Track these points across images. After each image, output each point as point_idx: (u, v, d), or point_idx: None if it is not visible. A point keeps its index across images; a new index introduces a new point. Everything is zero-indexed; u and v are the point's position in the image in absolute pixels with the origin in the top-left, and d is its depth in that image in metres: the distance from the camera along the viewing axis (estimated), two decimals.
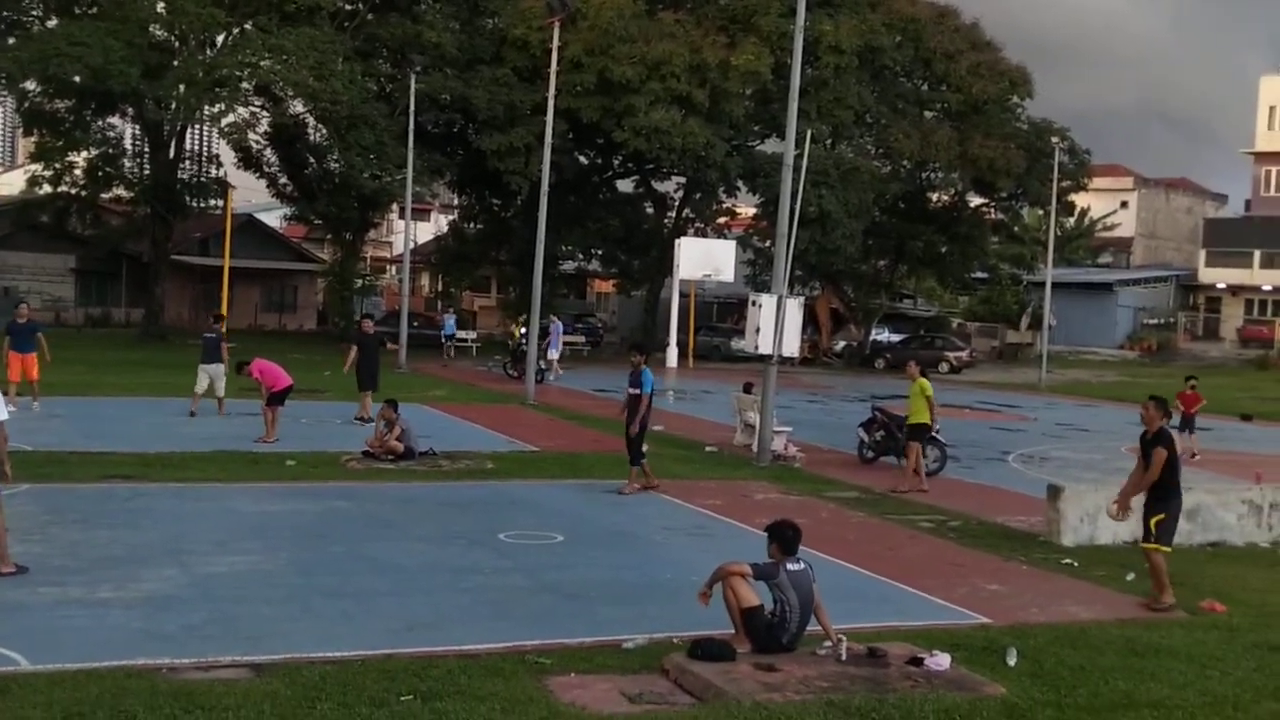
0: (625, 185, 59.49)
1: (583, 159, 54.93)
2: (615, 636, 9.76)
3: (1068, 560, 13.77)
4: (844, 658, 8.96)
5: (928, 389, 18.91)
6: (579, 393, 33.99)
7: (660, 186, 58.29)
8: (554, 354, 39.57)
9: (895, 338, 58.82)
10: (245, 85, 46.97)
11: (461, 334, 51.49)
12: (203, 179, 53.38)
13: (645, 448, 17.31)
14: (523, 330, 38.08)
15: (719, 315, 65.76)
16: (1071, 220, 70.96)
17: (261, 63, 45.20)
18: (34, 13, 48.69)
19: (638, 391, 17.05)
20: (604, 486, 16.93)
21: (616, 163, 56.57)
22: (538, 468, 19.38)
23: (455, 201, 67.83)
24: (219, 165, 55.33)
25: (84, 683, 8.11)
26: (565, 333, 45.51)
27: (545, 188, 32.54)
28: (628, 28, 46.33)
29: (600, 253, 59.33)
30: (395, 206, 57.17)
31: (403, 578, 11.66)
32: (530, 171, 44.19)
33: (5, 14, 48.19)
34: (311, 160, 54.24)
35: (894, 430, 20.98)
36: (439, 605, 10.79)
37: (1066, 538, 14.66)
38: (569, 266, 64.13)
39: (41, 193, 51.74)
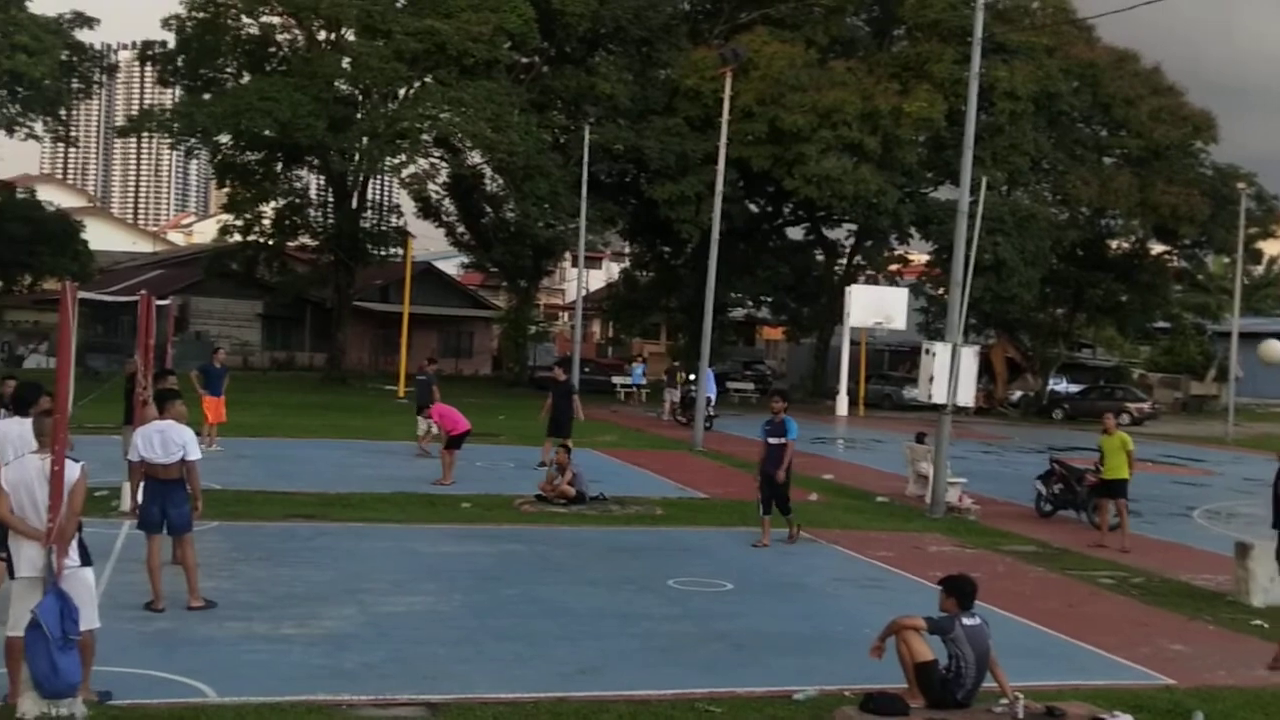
0: (795, 232, 59.38)
1: (753, 207, 55.06)
2: (786, 687, 9.67)
3: (1257, 621, 13.20)
4: (1021, 716, 8.73)
5: (1129, 443, 18.30)
6: (747, 440, 33.76)
7: (831, 233, 58.01)
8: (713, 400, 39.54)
9: (1073, 388, 57.25)
10: (425, 137, 48.45)
11: (631, 381, 51.88)
12: (383, 228, 54.99)
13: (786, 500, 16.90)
14: (690, 376, 38.20)
15: (891, 363, 64.96)
16: (1260, 268, 68.40)
17: (441, 115, 46.52)
18: (229, 70, 51.10)
19: (781, 440, 16.44)
20: (774, 535, 16.81)
21: (787, 210, 56.56)
22: (707, 514, 19.35)
23: (627, 249, 68.61)
24: (399, 215, 57.05)
25: (267, 716, 8.36)
26: (733, 379, 45.48)
27: (716, 235, 32.69)
28: (799, 77, 46.39)
29: (769, 300, 59.23)
30: (568, 254, 58.04)
31: (573, 621, 11.76)
32: (701, 219, 44.43)
33: (203, 72, 50.67)
34: (488, 209, 55.53)
35: (1073, 483, 20.41)
36: (609, 650, 10.85)
37: (1256, 598, 14.05)
38: (738, 313, 64.19)
39: (232, 241, 53.87)
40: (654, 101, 49.43)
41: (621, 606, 12.50)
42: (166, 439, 11.42)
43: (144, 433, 11.67)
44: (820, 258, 59.24)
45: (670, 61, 50.50)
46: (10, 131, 45.33)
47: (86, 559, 8.37)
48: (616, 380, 51.81)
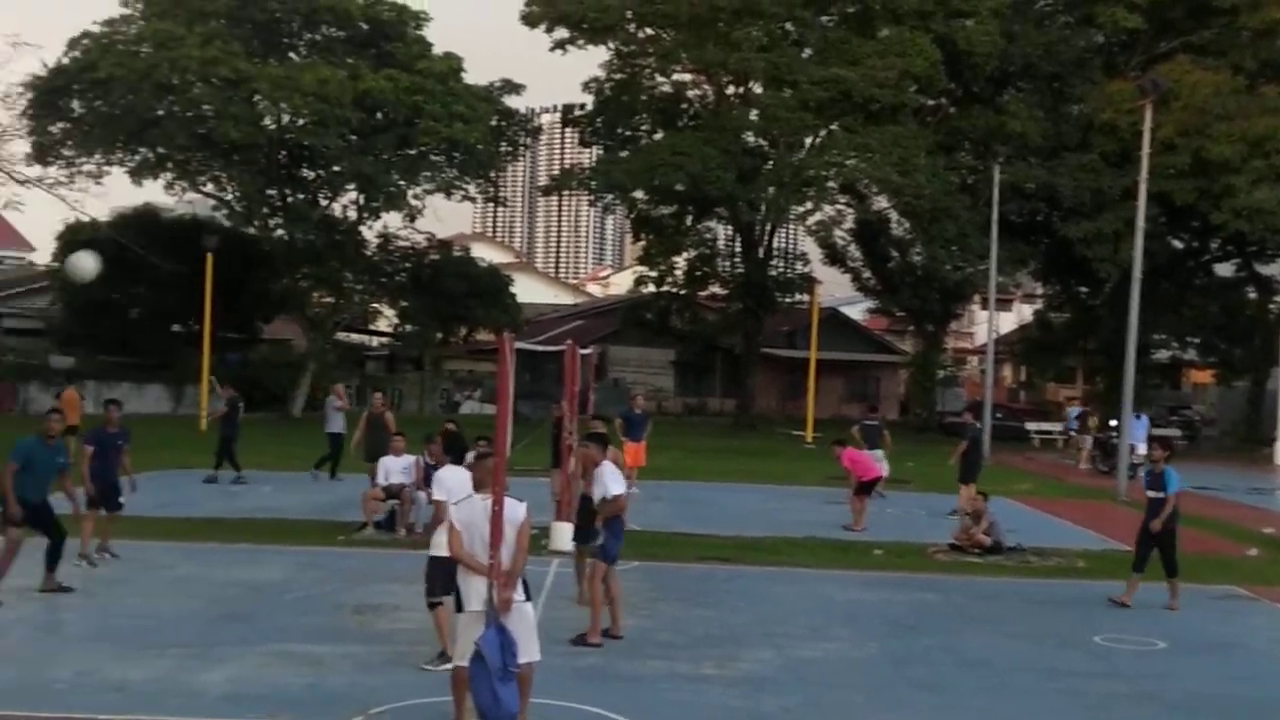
0: (1224, 269, 55.78)
1: (1176, 243, 52.17)
2: None
3: None
4: None
5: None
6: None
7: (1265, 269, 54.17)
8: (1141, 449, 37.42)
9: None
10: (831, 184, 48.84)
11: (1046, 426, 50.15)
12: (790, 275, 55.64)
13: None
14: (1111, 422, 36.47)
15: None
16: None
17: (847, 162, 46.80)
18: (643, 128, 53.39)
19: (1160, 494, 15.05)
20: (1210, 593, 15.79)
21: (1214, 246, 53.27)
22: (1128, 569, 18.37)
23: (1039, 290, 66.52)
24: (805, 261, 57.56)
25: None
26: (1158, 425, 42.92)
27: (1137, 274, 31.15)
28: (1225, 105, 43.68)
29: (1197, 340, 55.95)
30: (977, 297, 56.88)
31: (993, 674, 11.46)
32: (1119, 258, 42.54)
33: (619, 131, 53.16)
34: (894, 253, 55.27)
35: None
36: (1031, 706, 10.51)
37: None
38: (1162, 355, 60.82)
39: (647, 292, 56.01)
40: (1067, 137, 47.85)
41: (1043, 661, 12.07)
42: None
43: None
44: (1253, 295, 55.42)
45: (1083, 96, 48.74)
46: (448, 194, 48.97)
47: (527, 594, 8.89)
48: (1031, 426, 50.20)
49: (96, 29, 44.19)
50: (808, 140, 49.16)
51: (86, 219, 46.45)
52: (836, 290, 66.76)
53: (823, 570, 16.73)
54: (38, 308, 54.07)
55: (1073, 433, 41.57)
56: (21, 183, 40.75)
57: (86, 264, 21.11)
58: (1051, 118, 48.74)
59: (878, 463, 24.10)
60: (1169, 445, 16.53)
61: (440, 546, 10.49)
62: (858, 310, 71.44)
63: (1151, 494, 15.20)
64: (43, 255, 71.46)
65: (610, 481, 12.18)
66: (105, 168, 44.53)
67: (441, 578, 10.61)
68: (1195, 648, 13.04)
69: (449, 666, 10.32)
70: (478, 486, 9.31)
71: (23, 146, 42.44)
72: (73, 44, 43.73)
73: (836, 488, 24.24)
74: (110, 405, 16.15)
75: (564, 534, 16.36)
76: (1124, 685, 11.32)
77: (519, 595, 8.68)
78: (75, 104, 43.76)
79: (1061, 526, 23.19)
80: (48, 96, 42.77)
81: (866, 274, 57.11)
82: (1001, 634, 13.27)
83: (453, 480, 11.02)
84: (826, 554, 18.09)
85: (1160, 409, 57.60)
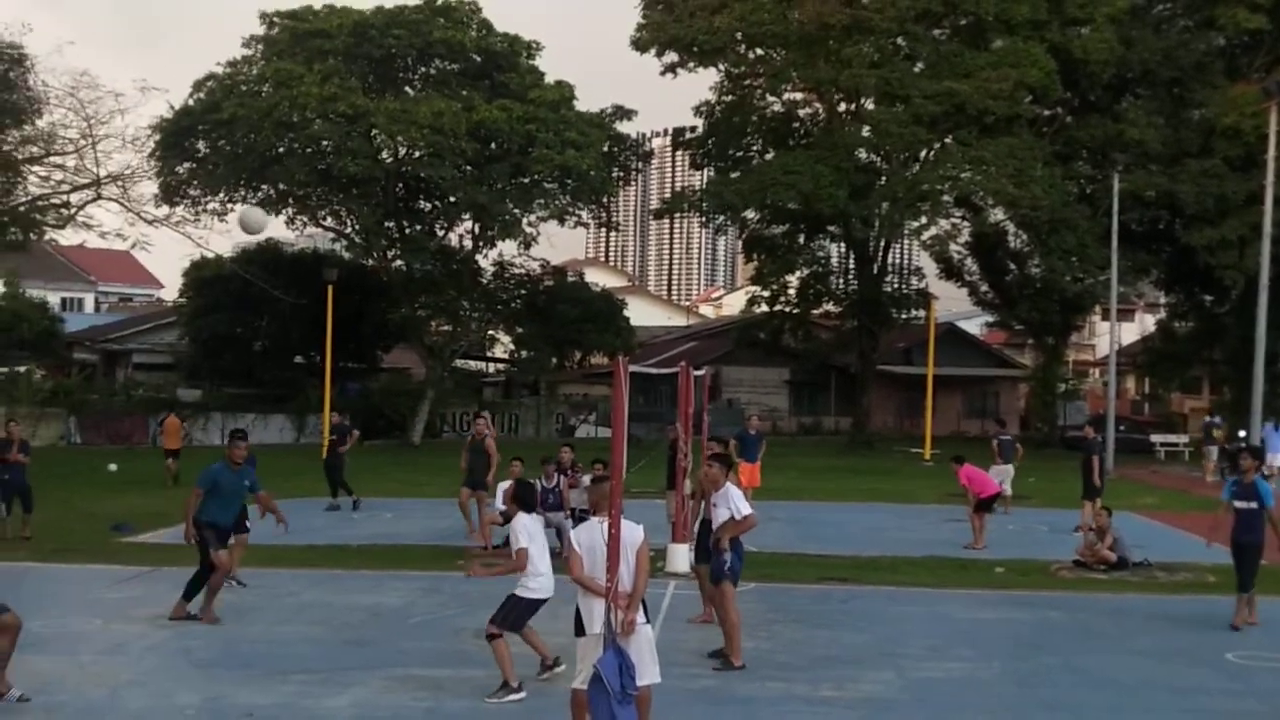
0: None
1: None
2: None
3: None
4: None
5: None
6: None
7: None
8: (1276, 460, 36.34)
9: None
10: (946, 198, 48.33)
11: (1172, 438, 48.99)
12: (905, 291, 55.18)
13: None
14: (1241, 433, 35.49)
15: None
16: None
17: (962, 175, 46.33)
18: (754, 149, 53.44)
19: (1252, 505, 14.36)
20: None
21: None
22: (1270, 583, 17.83)
23: (1162, 299, 65.04)
24: (921, 277, 57.05)
25: None
26: None
27: (1264, 281, 30.40)
28: None
29: None
30: (1098, 308, 55.83)
31: (1121, 694, 11.21)
32: (1245, 265, 41.43)
33: (730, 152, 53.26)
34: (1012, 266, 54.47)
35: None
36: None
37: None
38: None
39: (759, 312, 55.89)
40: (1188, 143, 46.78)
41: (1173, 680, 11.79)
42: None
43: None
44: None
45: (1205, 100, 47.64)
46: (562, 221, 49.45)
47: (647, 616, 8.93)
48: (1156, 439, 49.12)
49: (220, 70, 45.50)
50: (921, 155, 48.77)
51: (212, 255, 47.72)
52: (953, 305, 65.96)
53: (943, 589, 16.53)
54: (166, 343, 55.68)
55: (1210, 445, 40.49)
56: (150, 222, 42.08)
57: (258, 217, 22.23)
58: (1172, 124, 47.73)
59: (1003, 480, 23.86)
60: (1260, 454, 16.04)
61: (530, 590, 10.63)
62: (976, 324, 70.52)
63: (1241, 505, 14.52)
64: (170, 292, 73.83)
65: (740, 501, 12.19)
66: (229, 205, 45.71)
67: (517, 616, 10.73)
68: None
69: (514, 698, 10.47)
70: (595, 510, 9.41)
71: (150, 187, 43.77)
72: (197, 86, 45.06)
73: (955, 505, 23.93)
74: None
75: (681, 556, 16.46)
76: (1258, 704, 11.01)
77: (640, 617, 8.72)
78: (200, 144, 45.04)
79: (1189, 541, 22.55)
80: (174, 138, 44.07)
81: (984, 287, 56.35)
82: (1128, 652, 12.98)
83: (533, 527, 10.92)
84: (946, 572, 17.87)
85: None
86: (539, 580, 10.64)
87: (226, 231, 64.19)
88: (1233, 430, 37.47)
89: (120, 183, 40.68)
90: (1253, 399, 30.01)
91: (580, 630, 8.92)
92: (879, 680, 11.52)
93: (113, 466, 33.88)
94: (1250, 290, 35.43)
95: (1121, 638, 13.75)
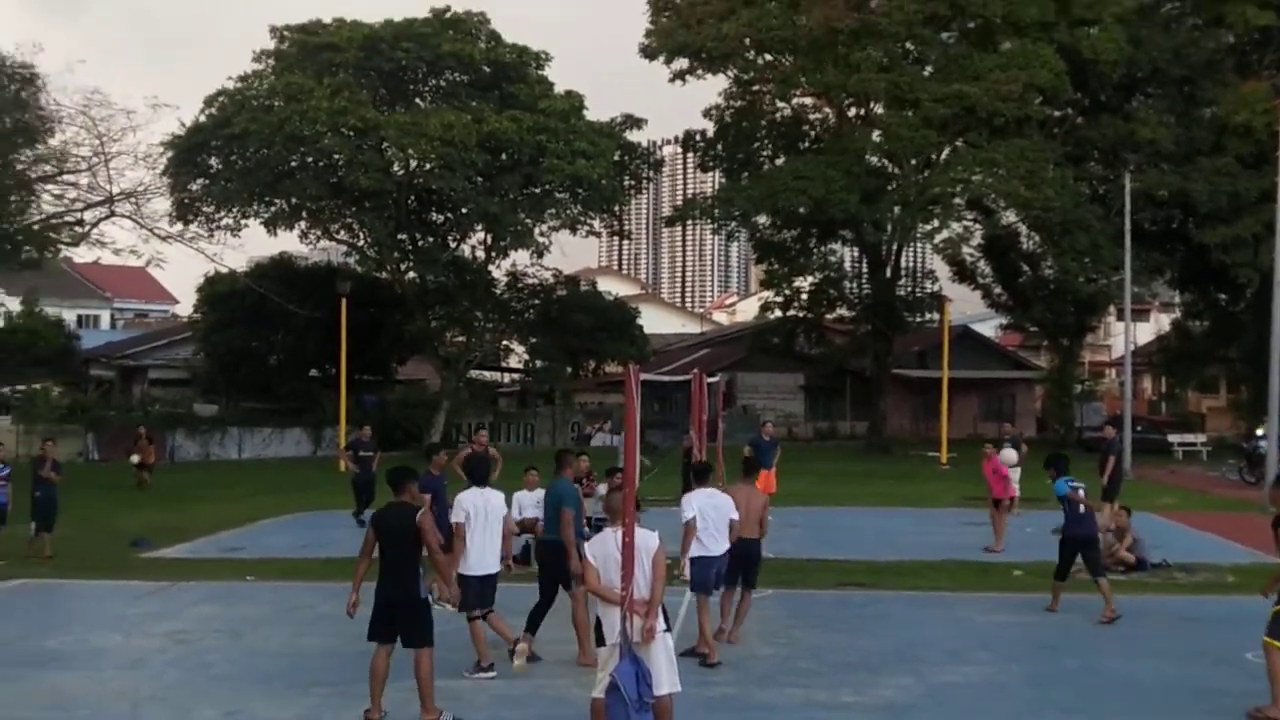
0: None
1: None
2: None
3: None
4: None
5: None
6: None
7: None
8: None
9: None
10: (958, 201, 48.39)
11: (1190, 438, 48.84)
12: (918, 294, 55.13)
13: None
14: (1259, 432, 35.38)
15: None
16: None
17: (973, 178, 46.32)
18: (764, 154, 53.47)
19: None
20: None
21: None
22: None
23: (1176, 299, 64.88)
24: (934, 280, 56.98)
25: None
26: None
27: (1279, 278, 30.25)
28: None
29: None
30: (1113, 308, 55.72)
31: (1142, 696, 11.18)
32: (1260, 262, 41.32)
33: (740, 156, 53.29)
34: (1025, 268, 54.49)
35: None
36: None
37: None
38: None
39: (772, 318, 55.82)
40: (1200, 142, 46.72)
41: (1195, 681, 11.74)
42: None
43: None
44: None
45: (1216, 98, 47.57)
46: (574, 230, 49.40)
47: (667, 624, 8.93)
48: (1173, 439, 48.97)
49: (231, 85, 45.62)
50: (932, 158, 48.75)
51: (226, 270, 47.84)
52: (967, 307, 65.84)
53: (962, 593, 16.50)
54: (182, 358, 55.81)
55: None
56: (164, 239, 42.17)
57: None
58: (1183, 122, 47.71)
59: (1010, 482, 23.79)
60: None
61: (467, 566, 11.41)
62: (990, 327, 70.40)
63: None
64: (185, 307, 74.01)
65: (685, 511, 12.63)
66: (242, 220, 45.80)
67: (470, 593, 11.38)
68: None
69: (485, 676, 11.06)
70: (613, 518, 9.41)
71: (164, 204, 43.86)
72: (209, 101, 45.14)
73: (973, 509, 23.88)
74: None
75: None
76: None
77: (660, 624, 8.72)
78: (213, 160, 45.12)
79: (1208, 540, 22.55)
80: (186, 154, 44.15)
81: (997, 290, 56.34)
82: (1148, 653, 12.94)
83: (471, 503, 11.70)
84: (965, 576, 17.84)
85: None
86: (472, 557, 11.41)
87: (240, 245, 64.53)
88: (1249, 429, 37.38)
89: (133, 200, 40.71)
90: (1270, 397, 29.85)
91: (601, 640, 8.93)
92: (899, 685, 11.49)
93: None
94: (1266, 287, 35.29)
95: (1141, 639, 13.71)
